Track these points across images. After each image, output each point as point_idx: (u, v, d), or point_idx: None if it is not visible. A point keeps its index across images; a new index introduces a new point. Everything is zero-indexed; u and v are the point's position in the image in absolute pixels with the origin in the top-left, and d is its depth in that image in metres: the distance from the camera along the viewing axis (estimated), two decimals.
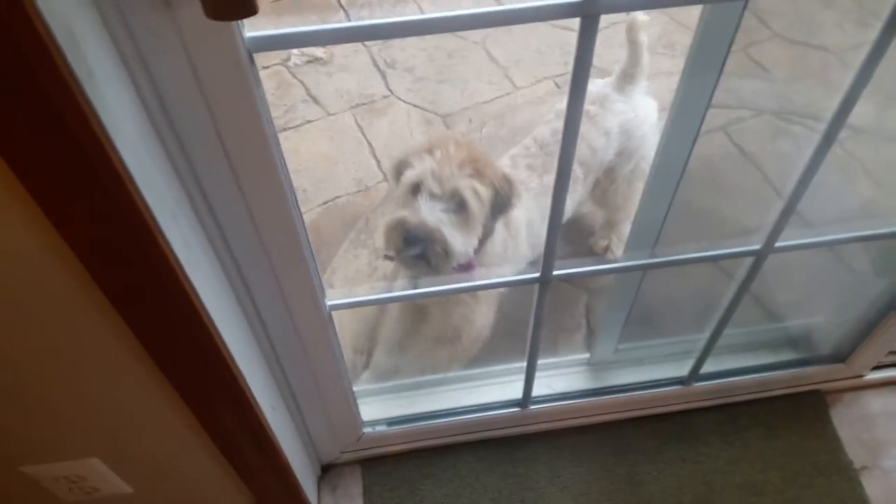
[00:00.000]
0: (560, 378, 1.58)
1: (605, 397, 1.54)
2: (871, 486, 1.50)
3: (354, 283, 2.11)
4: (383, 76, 2.80)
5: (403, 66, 2.84)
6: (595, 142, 1.65)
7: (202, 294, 0.85)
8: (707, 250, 1.24)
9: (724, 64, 0.99)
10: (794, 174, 1.12)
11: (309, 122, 2.64)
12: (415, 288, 1.45)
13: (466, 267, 1.46)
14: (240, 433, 1.12)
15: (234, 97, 0.77)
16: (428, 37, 2.95)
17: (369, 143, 2.56)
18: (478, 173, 1.34)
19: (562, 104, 1.77)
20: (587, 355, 1.61)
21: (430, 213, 1.32)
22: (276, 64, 2.84)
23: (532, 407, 1.53)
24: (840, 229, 1.28)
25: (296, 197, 0.94)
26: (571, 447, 1.56)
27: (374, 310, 2.02)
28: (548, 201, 1.59)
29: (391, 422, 1.52)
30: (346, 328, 2.00)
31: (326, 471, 1.55)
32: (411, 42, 2.93)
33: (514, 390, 1.52)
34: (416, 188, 1.36)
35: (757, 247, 1.22)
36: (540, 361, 1.61)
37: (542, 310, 1.25)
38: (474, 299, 1.55)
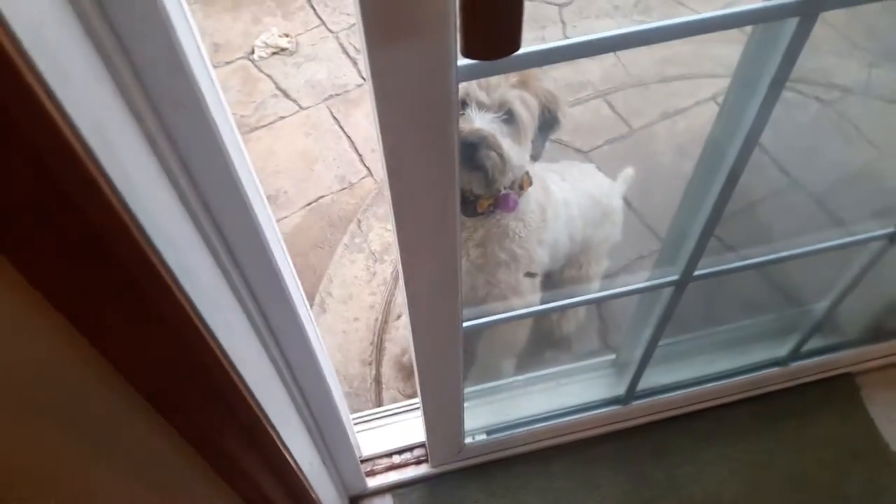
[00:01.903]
0: (592, 383, 1.52)
1: (641, 402, 1.49)
2: None
3: (353, 289, 2.02)
4: (354, 63, 2.66)
5: None
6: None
7: (250, 382, 0.76)
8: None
9: None
10: None
11: (282, 118, 2.51)
12: None
13: (508, 203, 1.39)
14: (281, 499, 1.03)
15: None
16: None
17: (348, 137, 2.44)
18: (523, 84, 1.29)
19: None
20: (613, 356, 1.55)
21: (482, 122, 1.25)
22: (239, 58, 2.68)
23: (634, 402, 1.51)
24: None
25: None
26: (607, 456, 1.51)
27: (379, 319, 1.94)
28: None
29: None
30: (353, 339, 1.92)
31: (354, 503, 1.48)
32: None
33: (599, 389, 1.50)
34: (462, 104, 1.28)
35: (891, 230, 1.17)
36: (565, 367, 1.57)
37: (671, 312, 1.22)
38: (515, 265, 1.47)
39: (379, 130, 0.67)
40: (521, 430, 1.48)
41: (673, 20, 0.69)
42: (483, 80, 1.26)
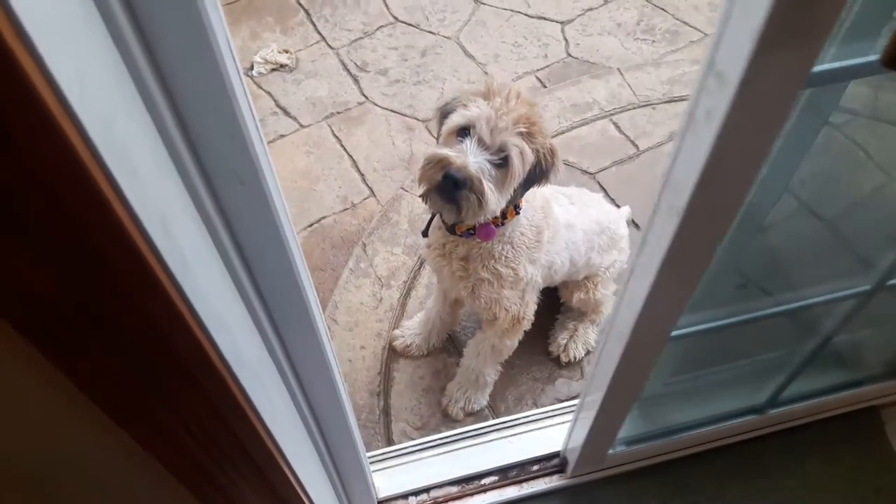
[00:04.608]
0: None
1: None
2: None
3: (359, 315, 1.97)
4: (356, 81, 2.62)
5: (375, 68, 2.66)
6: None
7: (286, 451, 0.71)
8: None
9: None
10: None
11: (282, 136, 2.45)
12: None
13: (486, 233, 1.39)
14: None
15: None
16: (399, 34, 2.77)
17: (350, 156, 2.39)
18: (528, 135, 1.28)
19: None
20: None
21: (475, 160, 1.24)
22: None
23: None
24: None
25: None
26: (631, 495, 1.48)
27: (387, 347, 1.89)
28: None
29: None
30: (359, 368, 1.87)
31: None
32: (381, 41, 2.75)
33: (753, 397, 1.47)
34: (463, 131, 1.29)
35: None
36: (575, 402, 1.53)
37: (849, 323, 1.21)
38: (498, 283, 1.47)
39: (715, 139, 0.63)
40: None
41: None
42: (492, 119, 1.25)
